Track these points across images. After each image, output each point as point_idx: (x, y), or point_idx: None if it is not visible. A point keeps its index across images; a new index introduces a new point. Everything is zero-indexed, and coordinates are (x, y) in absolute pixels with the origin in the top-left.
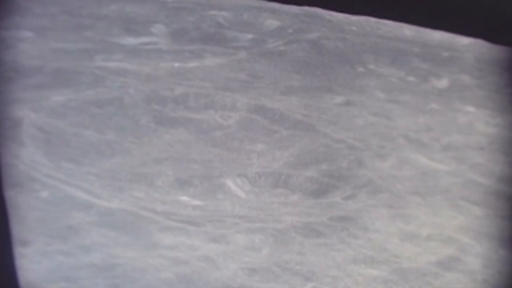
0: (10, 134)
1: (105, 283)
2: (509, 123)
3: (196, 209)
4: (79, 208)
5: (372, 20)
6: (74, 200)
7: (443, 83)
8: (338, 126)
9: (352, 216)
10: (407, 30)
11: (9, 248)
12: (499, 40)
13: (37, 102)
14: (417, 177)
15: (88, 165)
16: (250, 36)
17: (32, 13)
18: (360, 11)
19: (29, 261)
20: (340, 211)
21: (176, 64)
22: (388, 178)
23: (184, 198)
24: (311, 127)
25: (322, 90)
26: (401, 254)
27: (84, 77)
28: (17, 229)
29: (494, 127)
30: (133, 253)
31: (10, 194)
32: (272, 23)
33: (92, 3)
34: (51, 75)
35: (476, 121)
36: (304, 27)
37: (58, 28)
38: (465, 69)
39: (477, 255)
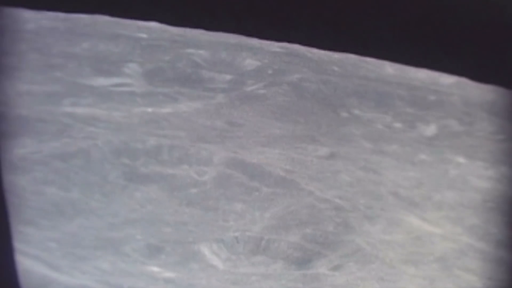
0: None
1: None
2: (503, 176)
3: (168, 283)
4: (36, 285)
5: (354, 58)
6: (31, 274)
7: (431, 130)
8: (323, 183)
9: None
10: (390, 68)
11: None
12: (483, 79)
13: None
14: (409, 243)
15: (48, 229)
16: (228, 77)
17: None
18: (341, 46)
19: None
20: (326, 286)
21: (150, 110)
22: (378, 245)
23: (155, 268)
24: (294, 184)
25: (304, 140)
26: None
27: (49, 125)
28: None
29: (487, 181)
30: None
31: None
32: (251, 63)
33: (63, 40)
34: (14, 123)
35: (468, 174)
36: (285, 68)
37: (26, 67)
38: (452, 114)
39: None
